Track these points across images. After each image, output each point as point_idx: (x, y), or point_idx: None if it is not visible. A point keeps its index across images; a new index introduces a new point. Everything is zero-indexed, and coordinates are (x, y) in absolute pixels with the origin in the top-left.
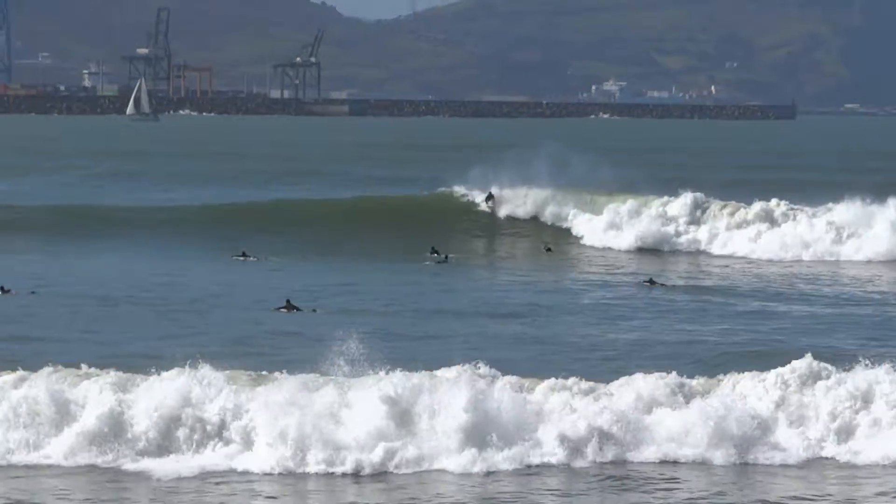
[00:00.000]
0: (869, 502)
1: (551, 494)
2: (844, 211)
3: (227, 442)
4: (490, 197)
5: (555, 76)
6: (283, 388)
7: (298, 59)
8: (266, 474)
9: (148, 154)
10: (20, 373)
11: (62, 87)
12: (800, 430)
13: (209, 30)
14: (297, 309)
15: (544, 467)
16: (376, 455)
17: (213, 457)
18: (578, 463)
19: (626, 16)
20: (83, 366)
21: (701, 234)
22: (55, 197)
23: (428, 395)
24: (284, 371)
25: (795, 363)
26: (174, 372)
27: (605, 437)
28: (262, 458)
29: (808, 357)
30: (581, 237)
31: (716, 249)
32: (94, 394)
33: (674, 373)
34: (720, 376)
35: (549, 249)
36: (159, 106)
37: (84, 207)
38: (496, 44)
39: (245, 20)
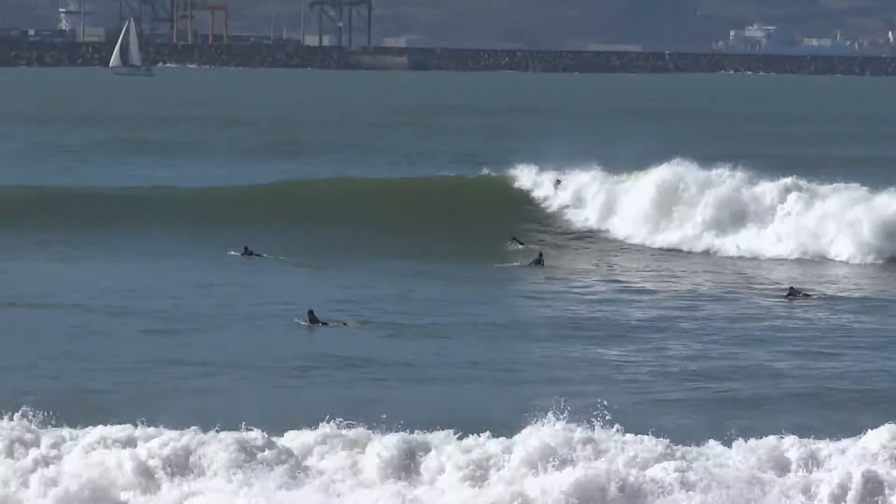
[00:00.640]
0: None
1: None
2: None
3: None
4: (558, 183)
5: (680, 19)
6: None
7: None
8: None
9: (130, 119)
10: None
11: (31, 32)
12: None
13: None
14: (323, 323)
15: None
16: None
17: None
18: None
19: None
20: None
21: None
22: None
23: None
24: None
25: None
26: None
27: None
28: None
29: None
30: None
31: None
32: None
33: None
34: None
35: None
36: (159, 56)
37: (37, 189)
38: None
39: None
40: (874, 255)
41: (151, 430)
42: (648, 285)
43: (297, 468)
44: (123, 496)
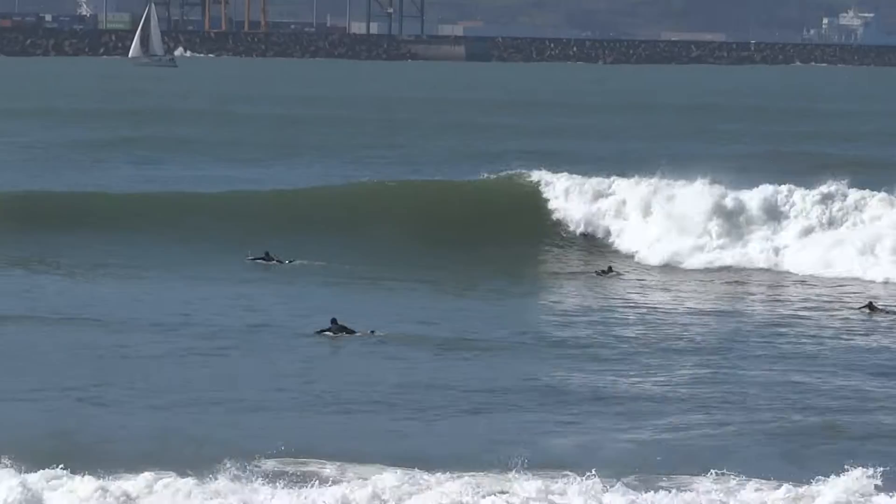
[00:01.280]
0: None
1: None
2: None
3: None
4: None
5: (766, 5)
6: None
7: None
8: None
9: (142, 116)
10: None
11: (48, 18)
12: None
13: None
14: (349, 331)
15: None
16: None
17: None
18: None
19: None
20: None
21: None
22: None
23: None
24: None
25: None
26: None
27: None
28: None
29: None
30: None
31: None
32: None
33: None
34: None
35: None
36: (189, 45)
37: (43, 195)
38: None
39: None
40: None
41: None
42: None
43: None
44: None
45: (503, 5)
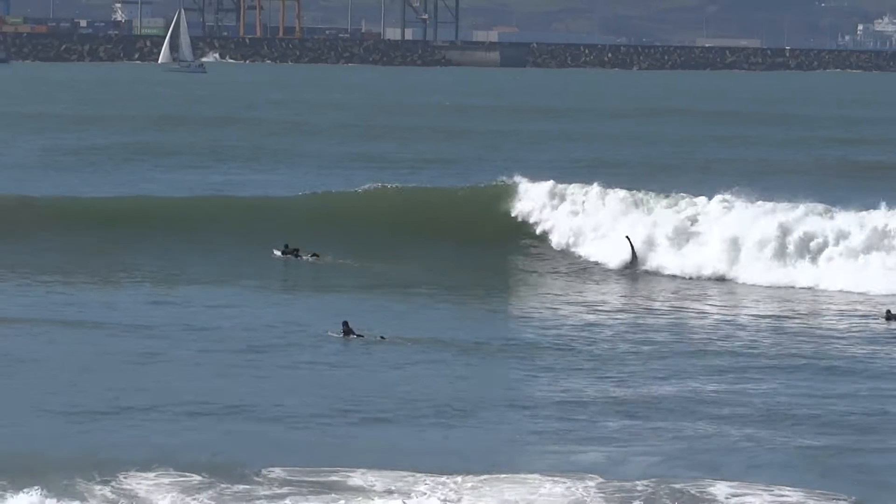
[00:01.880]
0: None
1: None
2: None
3: None
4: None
5: (801, 11)
6: None
7: None
8: None
9: (166, 122)
10: None
11: (83, 24)
12: None
13: None
14: (358, 335)
15: None
16: None
17: None
18: None
19: None
20: None
21: None
22: (15, 183)
23: None
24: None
25: None
26: None
27: None
28: None
29: None
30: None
31: None
32: None
33: None
34: None
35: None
36: (224, 50)
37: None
38: None
39: None
40: None
41: None
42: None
43: None
44: None
45: (538, 11)
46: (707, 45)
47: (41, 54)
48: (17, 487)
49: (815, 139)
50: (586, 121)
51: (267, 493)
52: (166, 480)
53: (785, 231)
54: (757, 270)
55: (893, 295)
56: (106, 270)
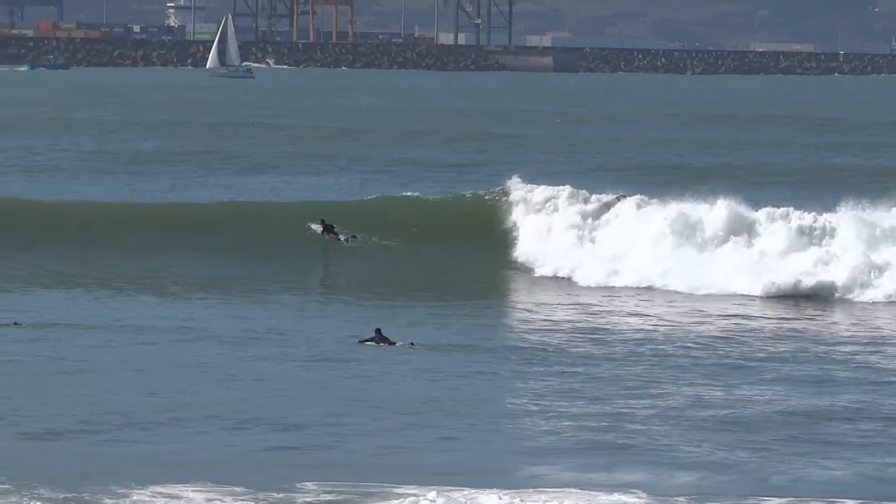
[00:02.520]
0: None
1: None
2: None
3: None
4: None
5: (854, 16)
6: None
7: None
8: None
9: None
10: None
11: (136, 29)
12: None
13: None
14: (391, 343)
15: None
16: None
17: None
18: None
19: None
20: None
21: None
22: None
23: None
24: None
25: None
26: None
27: None
28: None
29: None
30: None
31: None
32: None
33: None
34: None
35: None
36: (277, 55)
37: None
38: None
39: None
40: None
41: None
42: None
43: None
44: None
45: (591, 16)
46: (760, 50)
47: (94, 59)
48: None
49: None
50: (651, 125)
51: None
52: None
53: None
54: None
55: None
56: (159, 275)
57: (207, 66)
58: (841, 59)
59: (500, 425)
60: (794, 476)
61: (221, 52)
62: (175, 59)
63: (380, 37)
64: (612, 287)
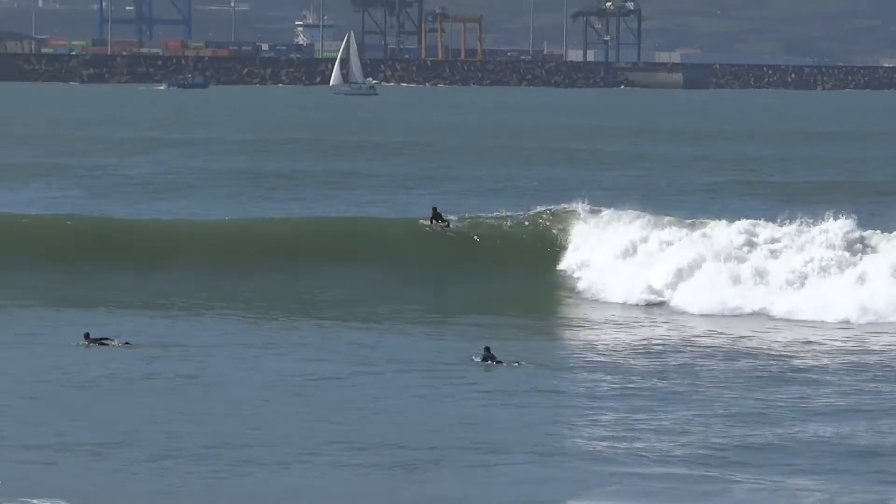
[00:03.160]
0: None
1: None
2: None
3: None
4: None
5: None
6: None
7: (609, 3)
8: None
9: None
10: None
11: (265, 47)
12: None
13: None
14: (498, 361)
15: None
16: None
17: None
18: None
19: None
20: None
21: None
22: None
23: None
24: None
25: None
26: None
27: None
28: None
29: None
30: None
31: None
32: None
33: None
34: None
35: None
36: (405, 73)
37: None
38: None
39: None
40: None
41: None
42: None
43: None
44: None
45: (720, 32)
46: (890, 66)
47: (223, 78)
48: None
49: None
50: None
51: None
52: None
53: None
54: None
55: None
56: (247, 294)
57: (331, 83)
58: None
59: None
60: None
61: (345, 69)
62: (303, 77)
63: (508, 54)
64: None
